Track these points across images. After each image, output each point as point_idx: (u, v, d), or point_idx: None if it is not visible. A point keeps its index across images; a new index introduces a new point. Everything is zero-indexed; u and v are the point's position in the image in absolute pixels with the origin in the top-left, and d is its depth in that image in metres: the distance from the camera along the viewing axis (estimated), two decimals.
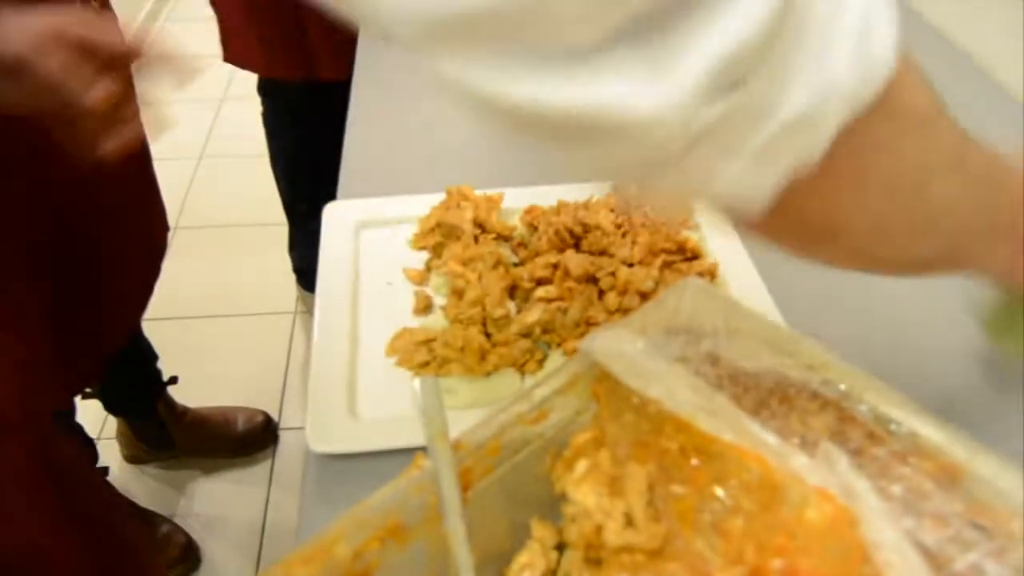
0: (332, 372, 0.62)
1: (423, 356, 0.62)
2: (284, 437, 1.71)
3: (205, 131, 2.62)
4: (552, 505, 0.51)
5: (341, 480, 0.58)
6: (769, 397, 0.50)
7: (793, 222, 0.39)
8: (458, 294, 0.65)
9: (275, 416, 1.72)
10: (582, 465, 0.45)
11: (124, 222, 1.05)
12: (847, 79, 0.32)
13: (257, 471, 1.64)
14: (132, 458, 1.61)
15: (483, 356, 0.59)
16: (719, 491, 0.45)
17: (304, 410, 1.65)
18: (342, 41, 1.44)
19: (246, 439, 1.65)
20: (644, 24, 0.28)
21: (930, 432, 0.48)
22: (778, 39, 0.30)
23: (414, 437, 0.57)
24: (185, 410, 1.60)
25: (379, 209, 0.77)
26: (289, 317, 1.97)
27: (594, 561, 0.44)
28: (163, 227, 1.21)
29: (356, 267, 0.72)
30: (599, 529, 0.43)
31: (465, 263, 0.67)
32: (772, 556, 0.41)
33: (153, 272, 1.17)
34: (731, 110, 0.30)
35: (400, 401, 0.61)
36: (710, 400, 0.47)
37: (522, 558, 0.48)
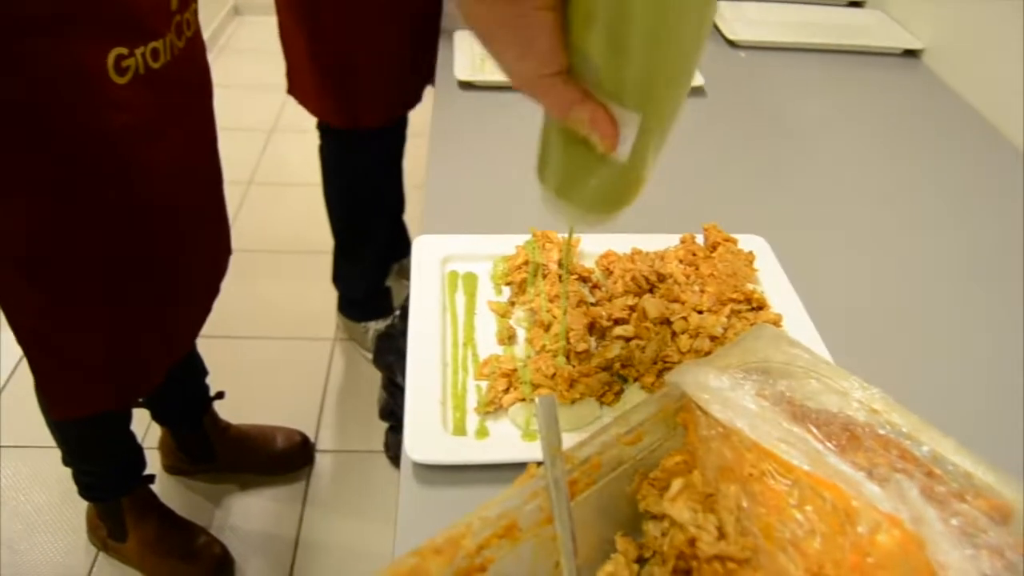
0: (426, 391, 0.67)
1: (511, 380, 0.68)
2: (319, 459, 1.76)
3: (255, 159, 2.71)
4: (634, 523, 0.57)
5: (433, 486, 0.63)
6: (839, 435, 0.56)
7: None
8: (544, 327, 0.71)
9: (312, 437, 1.78)
10: (677, 483, 0.51)
11: (195, 245, 1.12)
12: None
13: (292, 489, 1.69)
14: (172, 468, 1.67)
15: (571, 384, 0.65)
16: (797, 514, 0.50)
17: (339, 434, 1.71)
18: (385, 92, 1.53)
19: (284, 458, 1.70)
20: None
21: (982, 473, 0.54)
22: None
23: (502, 453, 0.63)
24: (228, 425, 1.65)
25: (464, 245, 0.83)
26: (328, 343, 2.03)
27: (683, 571, 0.50)
28: (227, 250, 1.27)
29: (443, 297, 0.78)
30: (692, 540, 0.49)
31: (552, 299, 0.73)
32: (850, 572, 0.46)
33: (213, 292, 1.24)
34: None
35: (488, 420, 0.66)
36: (789, 433, 0.53)
37: (607, 567, 0.53)
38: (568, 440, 0.54)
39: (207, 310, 1.23)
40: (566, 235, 0.82)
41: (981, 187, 1.12)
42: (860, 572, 0.46)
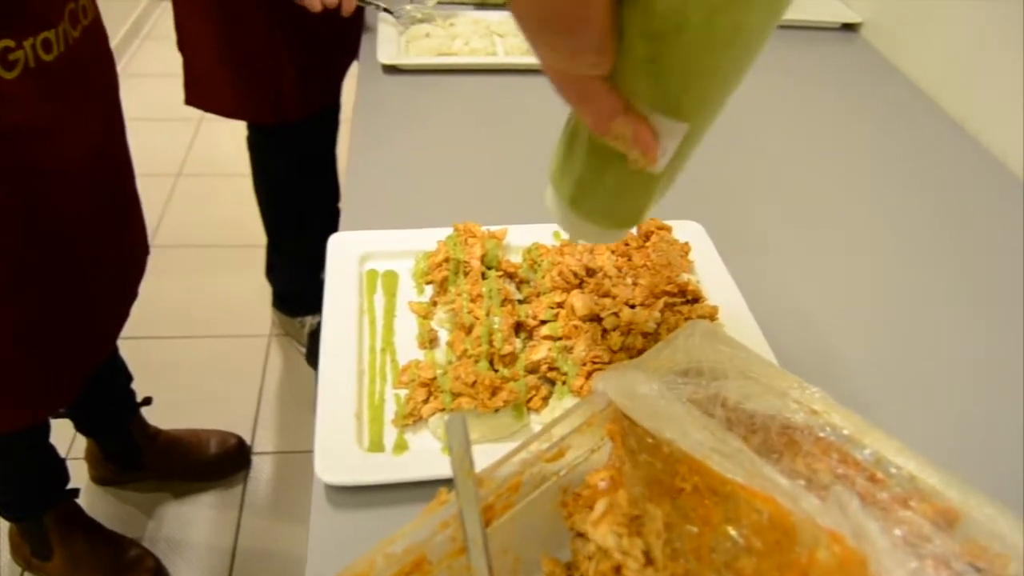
0: (339, 403, 0.62)
1: (431, 389, 0.63)
2: (256, 461, 1.70)
3: (183, 149, 2.62)
4: (561, 540, 0.52)
5: (348, 509, 0.58)
6: (776, 439, 0.52)
7: None
8: (466, 329, 0.66)
9: (248, 439, 1.71)
10: (601, 505, 0.47)
11: (104, 240, 1.04)
12: None
13: (229, 495, 1.62)
14: (101, 479, 1.59)
15: (494, 392, 0.60)
16: (732, 531, 0.46)
17: (277, 434, 1.64)
18: (309, 82, 1.46)
19: (218, 462, 1.63)
20: None
21: (928, 475, 0.50)
22: None
23: (422, 470, 0.58)
24: (157, 431, 1.58)
25: (383, 242, 0.78)
26: (264, 340, 1.96)
27: None
28: (143, 250, 1.20)
29: (361, 299, 0.73)
30: (618, 568, 0.44)
31: (474, 299, 0.68)
32: None
33: (131, 294, 1.17)
34: None
35: (408, 433, 0.62)
36: (723, 442, 0.48)
37: None
38: (490, 452, 0.49)
39: (124, 315, 1.16)
40: (489, 228, 0.77)
41: (920, 159, 1.10)
42: None
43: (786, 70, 1.33)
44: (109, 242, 1.06)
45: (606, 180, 0.50)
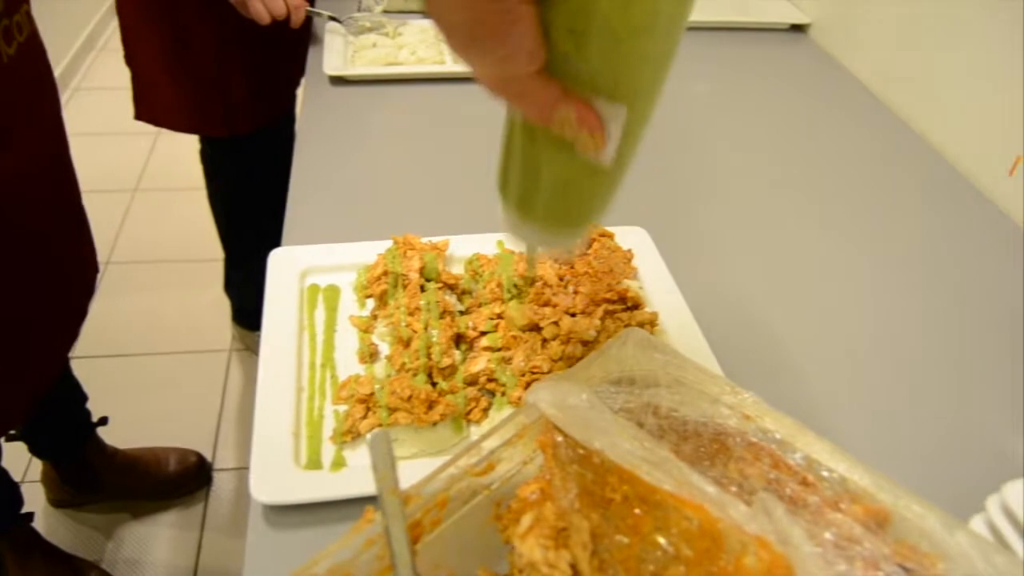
0: (277, 421, 0.62)
1: (369, 405, 0.62)
2: (218, 478, 1.68)
3: (141, 164, 2.59)
4: (498, 554, 0.52)
5: (286, 528, 0.58)
6: (708, 446, 0.52)
7: None
8: (404, 343, 0.66)
9: (209, 456, 1.69)
10: (527, 519, 0.46)
11: (48, 258, 1.03)
12: None
13: (190, 513, 1.60)
14: (58, 502, 1.56)
15: (430, 406, 0.60)
16: (661, 540, 0.46)
17: (239, 450, 1.62)
18: (260, 95, 1.45)
19: (178, 480, 1.61)
20: None
21: (858, 477, 0.51)
22: None
23: (360, 486, 0.58)
24: (115, 452, 1.56)
25: (325, 256, 0.78)
26: (224, 355, 1.94)
27: None
28: (92, 268, 1.18)
29: (301, 314, 0.72)
30: None
31: (412, 312, 0.68)
32: None
33: (79, 312, 1.15)
34: None
35: (347, 450, 0.61)
36: (652, 451, 0.48)
37: None
38: (429, 466, 0.49)
39: (73, 334, 1.14)
40: (431, 239, 0.77)
41: (866, 157, 1.11)
42: None
43: (735, 71, 1.34)
44: (54, 260, 1.05)
45: (551, 176, 0.50)
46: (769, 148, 1.12)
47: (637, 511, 0.48)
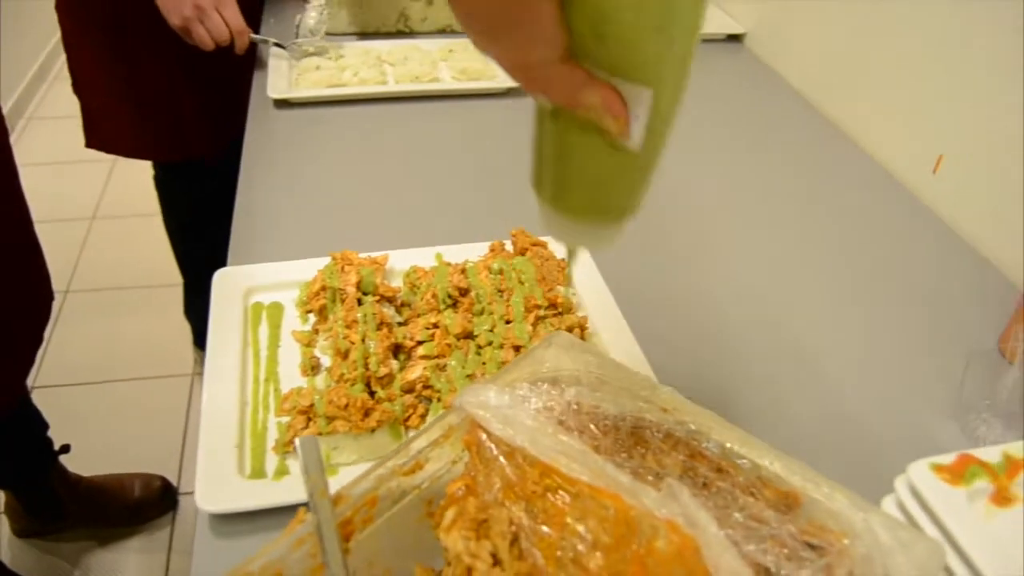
0: (222, 434, 0.64)
1: (310, 415, 0.65)
2: (184, 502, 1.68)
3: (97, 192, 2.59)
4: (434, 551, 0.55)
5: (233, 537, 0.60)
6: (627, 439, 0.55)
7: None
8: (342, 354, 0.68)
9: (174, 480, 1.70)
10: (450, 513, 0.49)
11: (4, 286, 1.04)
12: None
13: (156, 538, 1.61)
14: (22, 532, 1.56)
15: (367, 413, 0.62)
16: (580, 528, 0.49)
17: None
18: (213, 119, 1.47)
19: (143, 505, 1.62)
20: None
21: (769, 463, 0.54)
22: None
23: (302, 493, 0.60)
24: (79, 479, 1.56)
25: (268, 274, 0.80)
26: (187, 379, 1.95)
27: None
28: (47, 295, 1.20)
29: (245, 331, 0.74)
30: (469, 570, 0.47)
31: (349, 325, 0.70)
32: None
33: (35, 339, 1.16)
34: None
35: (289, 459, 0.63)
36: (570, 446, 0.51)
37: None
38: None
39: (29, 360, 1.15)
40: (371, 255, 0.80)
41: (800, 160, 1.16)
42: None
43: None
44: (6, 288, 1.06)
45: (582, 166, 0.51)
46: (705, 152, 1.15)
47: (558, 502, 0.51)
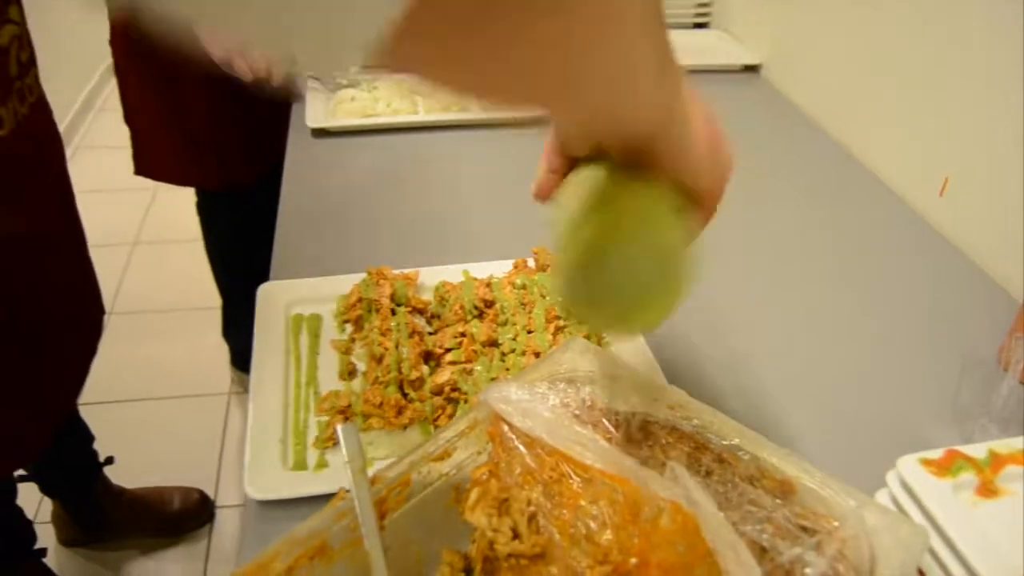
0: (267, 431, 0.70)
1: (347, 414, 0.71)
2: (220, 514, 1.75)
3: (139, 218, 2.69)
4: (461, 534, 0.60)
5: (277, 523, 0.65)
6: (637, 433, 0.61)
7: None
8: (377, 359, 0.74)
9: (212, 494, 1.76)
10: (475, 492, 0.55)
11: (60, 301, 1.11)
12: None
13: (194, 548, 1.67)
14: (68, 541, 1.63)
15: (399, 411, 0.68)
16: (593, 509, 0.54)
17: (240, 487, 1.69)
18: (255, 147, 1.55)
19: (182, 517, 1.68)
20: None
21: (767, 455, 0.59)
22: None
23: (340, 483, 0.66)
24: (122, 491, 1.63)
25: (308, 288, 0.86)
26: (223, 398, 2.02)
27: (488, 572, 0.53)
28: (99, 308, 1.27)
29: (287, 340, 0.81)
30: (491, 543, 0.52)
31: (384, 333, 0.76)
32: (631, 556, 0.50)
33: (89, 351, 1.23)
34: None
35: (328, 454, 0.69)
36: (584, 436, 0.57)
37: None
38: None
39: (85, 369, 1.22)
40: (403, 271, 0.86)
41: (812, 183, 1.21)
42: (642, 554, 0.50)
43: None
44: (63, 302, 1.13)
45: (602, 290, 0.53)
46: None
47: (573, 486, 0.56)
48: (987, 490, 0.62)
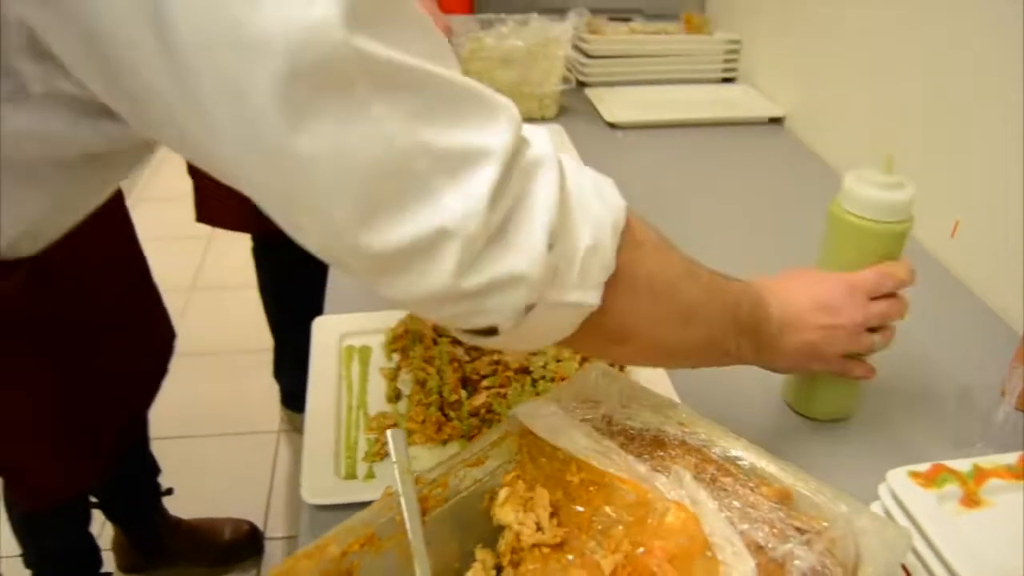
0: (322, 444, 0.79)
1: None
2: (269, 547, 1.83)
3: (196, 265, 2.83)
4: (494, 536, 0.68)
5: (329, 527, 0.74)
6: (649, 445, 0.68)
7: (596, 333, 0.60)
8: (420, 383, 0.83)
9: (261, 526, 1.85)
10: (503, 492, 0.63)
11: (128, 326, 1.20)
12: (605, 214, 0.56)
13: None
14: (127, 567, 1.72)
15: (439, 427, 0.77)
16: (608, 509, 0.62)
17: (288, 521, 1.79)
18: None
19: (233, 547, 1.77)
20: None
21: (766, 465, 0.66)
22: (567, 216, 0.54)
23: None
24: (178, 520, 1.72)
25: (358, 322, 0.96)
26: (273, 436, 2.12)
27: (515, 563, 0.61)
28: (170, 333, 1.36)
29: (340, 368, 0.90)
30: (518, 536, 0.60)
31: (427, 360, 0.85)
32: (639, 546, 0.58)
33: (161, 369, 1.32)
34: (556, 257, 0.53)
35: (376, 467, 0.78)
36: (601, 445, 0.64)
37: (468, 575, 0.64)
38: None
39: (154, 390, 1.30)
40: None
41: None
42: (648, 544, 0.58)
43: (723, 162, 1.52)
44: (134, 327, 1.22)
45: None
46: (748, 225, 1.28)
47: (591, 489, 0.63)
48: (970, 501, 0.68)
